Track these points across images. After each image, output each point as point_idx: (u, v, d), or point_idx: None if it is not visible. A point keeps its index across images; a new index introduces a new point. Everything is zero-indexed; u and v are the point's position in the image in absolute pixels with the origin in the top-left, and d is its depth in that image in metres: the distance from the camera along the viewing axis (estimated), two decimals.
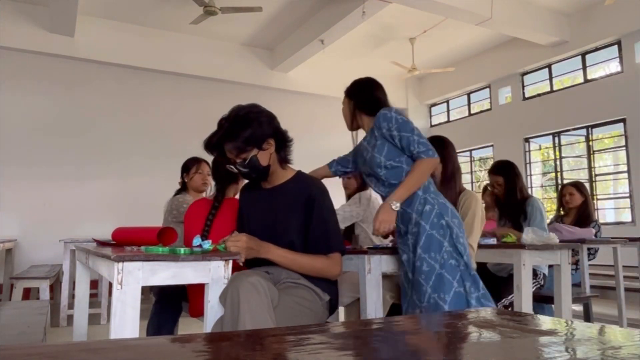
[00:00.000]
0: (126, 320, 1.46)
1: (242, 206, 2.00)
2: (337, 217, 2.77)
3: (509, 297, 2.69)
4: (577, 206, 3.84)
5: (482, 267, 2.96)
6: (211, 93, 7.53)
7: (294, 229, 1.77)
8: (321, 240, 1.75)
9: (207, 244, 1.70)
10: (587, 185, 6.96)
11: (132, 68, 6.99)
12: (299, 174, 1.91)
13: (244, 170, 1.80)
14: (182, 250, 1.59)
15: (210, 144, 1.79)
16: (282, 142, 1.85)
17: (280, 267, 1.77)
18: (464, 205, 2.37)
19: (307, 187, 1.82)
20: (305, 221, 1.77)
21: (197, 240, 1.70)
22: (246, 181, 2.06)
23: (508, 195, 3.18)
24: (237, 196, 2.52)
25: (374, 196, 2.96)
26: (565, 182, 7.06)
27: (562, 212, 3.99)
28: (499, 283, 2.97)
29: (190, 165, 3.07)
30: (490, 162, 8.30)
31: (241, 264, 1.70)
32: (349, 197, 3.10)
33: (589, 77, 7.01)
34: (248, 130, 1.74)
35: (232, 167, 1.83)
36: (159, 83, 7.23)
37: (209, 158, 2.62)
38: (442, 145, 2.43)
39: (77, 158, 6.55)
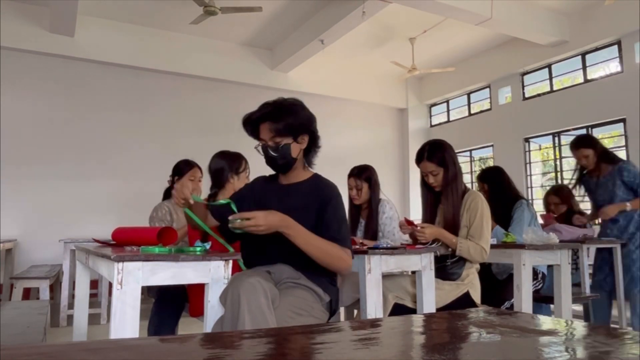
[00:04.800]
0: (126, 320, 1.46)
1: (250, 193, 1.96)
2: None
3: (511, 300, 2.68)
4: (564, 212, 3.88)
5: (485, 269, 2.97)
6: (211, 93, 7.53)
7: (307, 226, 1.77)
8: (337, 235, 1.76)
9: (208, 245, 1.71)
10: None
11: (132, 68, 6.99)
12: (316, 176, 1.92)
13: (273, 154, 1.81)
14: (190, 248, 1.60)
15: (250, 120, 1.83)
16: (314, 143, 1.88)
17: (282, 267, 1.77)
18: (470, 206, 2.37)
19: (322, 189, 1.85)
20: (317, 222, 1.77)
21: (198, 244, 1.71)
22: (242, 184, 2.05)
23: (494, 200, 3.20)
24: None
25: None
26: (564, 182, 7.06)
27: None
28: (499, 285, 2.97)
29: (183, 170, 2.96)
30: (491, 162, 8.30)
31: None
32: (354, 208, 3.06)
33: (589, 77, 7.01)
34: (292, 117, 1.78)
35: (259, 149, 1.84)
36: (159, 83, 7.22)
37: (209, 149, 2.62)
38: (441, 148, 2.44)
39: (77, 158, 6.55)
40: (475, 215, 2.34)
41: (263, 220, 1.61)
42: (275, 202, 1.86)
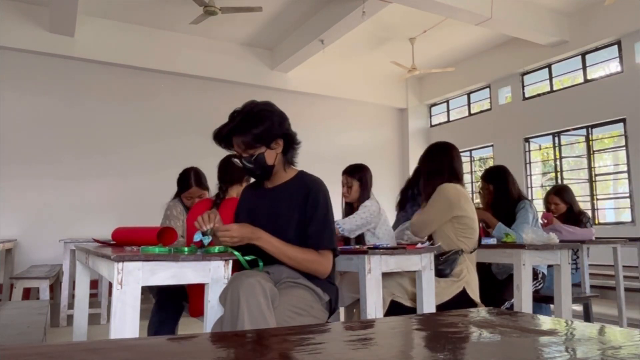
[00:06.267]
0: (126, 320, 1.46)
1: (242, 205, 2.00)
2: (351, 226, 2.80)
3: (511, 300, 2.68)
4: (564, 212, 3.88)
5: (485, 268, 2.97)
6: (211, 93, 7.53)
7: (294, 226, 1.77)
8: (316, 235, 1.75)
9: (207, 239, 1.71)
10: (586, 185, 6.98)
11: (132, 68, 6.99)
12: (301, 173, 1.91)
13: (249, 166, 1.81)
14: (185, 249, 1.60)
15: (220, 135, 1.80)
16: (290, 144, 1.86)
17: (281, 267, 1.77)
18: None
19: (307, 185, 1.83)
20: (304, 217, 1.77)
21: (197, 236, 1.71)
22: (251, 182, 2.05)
23: (498, 200, 3.20)
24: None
25: (380, 207, 3.01)
26: (564, 182, 7.07)
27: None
28: (499, 285, 2.97)
29: (181, 187, 2.98)
30: (490, 162, 8.30)
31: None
32: (347, 205, 3.09)
33: (589, 77, 7.01)
34: (259, 128, 1.75)
35: (238, 160, 1.84)
36: (159, 83, 7.22)
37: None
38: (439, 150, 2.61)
39: (77, 158, 6.54)
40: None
41: (237, 232, 1.65)
42: (262, 208, 1.87)
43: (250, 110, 1.78)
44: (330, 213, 1.82)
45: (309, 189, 1.80)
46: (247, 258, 1.73)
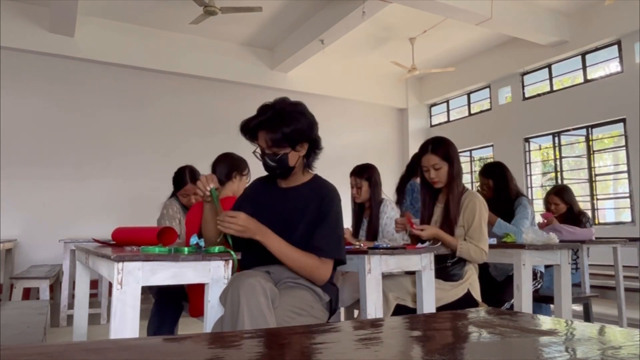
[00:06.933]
0: (126, 320, 1.46)
1: (249, 195, 1.97)
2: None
3: (511, 301, 2.68)
4: (564, 212, 3.88)
5: (483, 270, 2.96)
6: (211, 93, 7.53)
7: (302, 229, 1.76)
8: (321, 241, 1.74)
9: (202, 242, 1.71)
10: (586, 185, 6.98)
11: (132, 68, 6.99)
12: (316, 177, 1.91)
13: (271, 163, 1.79)
14: (185, 249, 1.60)
15: (247, 127, 1.78)
16: (314, 148, 1.85)
17: (281, 267, 1.76)
18: (467, 206, 2.36)
19: (321, 190, 1.82)
20: (314, 221, 1.76)
21: (194, 239, 1.71)
22: (242, 187, 2.03)
23: (497, 196, 3.20)
24: (236, 194, 2.53)
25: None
26: (564, 182, 7.07)
27: None
28: (498, 287, 2.97)
29: (176, 185, 3.01)
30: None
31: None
32: (358, 207, 3.08)
33: (589, 77, 7.01)
34: (290, 127, 1.72)
35: (258, 155, 1.81)
36: (159, 83, 7.22)
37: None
38: (446, 144, 2.44)
39: (77, 158, 6.55)
40: (474, 217, 2.33)
41: (243, 222, 1.63)
42: (273, 206, 1.85)
43: (282, 108, 1.75)
44: (341, 222, 1.81)
45: (324, 195, 1.80)
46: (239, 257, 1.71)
